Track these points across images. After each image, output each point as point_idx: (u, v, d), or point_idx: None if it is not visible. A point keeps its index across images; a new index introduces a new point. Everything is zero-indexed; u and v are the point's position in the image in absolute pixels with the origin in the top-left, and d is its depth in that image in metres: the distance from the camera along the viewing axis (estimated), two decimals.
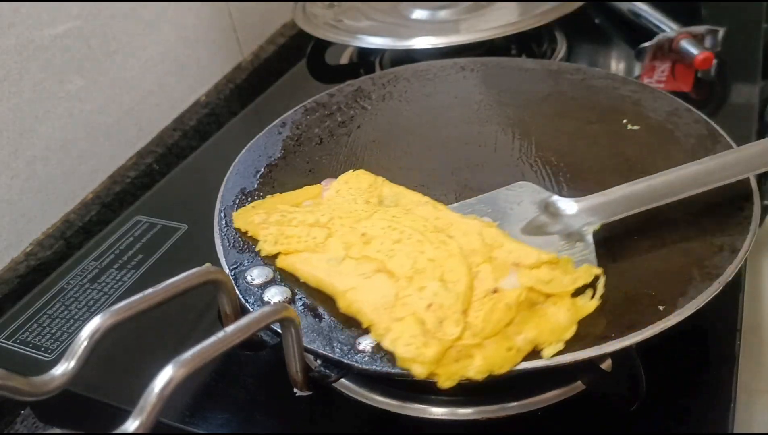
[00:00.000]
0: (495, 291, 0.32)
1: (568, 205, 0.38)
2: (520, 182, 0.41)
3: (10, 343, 0.42)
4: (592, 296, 0.32)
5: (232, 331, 0.25)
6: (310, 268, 0.36)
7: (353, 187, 0.41)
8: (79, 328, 0.42)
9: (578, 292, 0.33)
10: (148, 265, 0.47)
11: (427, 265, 0.33)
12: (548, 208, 0.38)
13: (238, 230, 0.40)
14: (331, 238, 0.36)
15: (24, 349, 0.41)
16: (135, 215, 0.52)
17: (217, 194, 0.44)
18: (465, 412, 0.36)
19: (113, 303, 0.44)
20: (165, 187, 0.56)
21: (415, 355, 0.30)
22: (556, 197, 0.39)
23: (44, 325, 0.43)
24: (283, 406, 0.37)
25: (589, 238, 0.36)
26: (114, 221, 0.52)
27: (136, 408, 0.22)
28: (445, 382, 0.29)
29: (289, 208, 0.40)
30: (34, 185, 0.54)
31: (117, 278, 0.46)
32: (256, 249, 0.38)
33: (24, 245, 0.53)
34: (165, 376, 0.23)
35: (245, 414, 0.37)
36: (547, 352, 0.30)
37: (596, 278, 0.33)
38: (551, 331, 0.31)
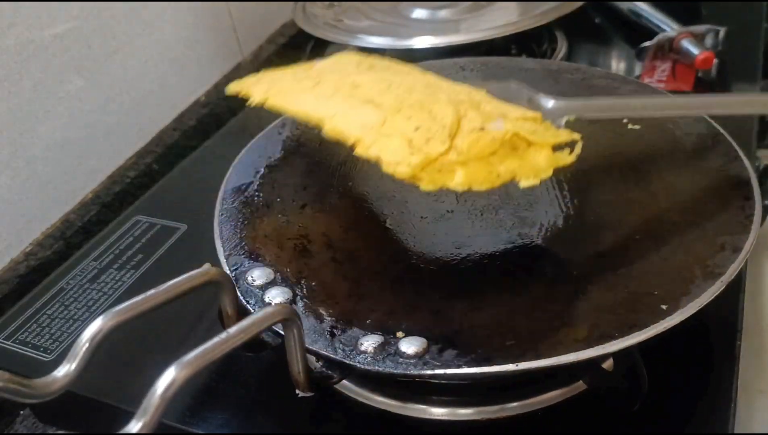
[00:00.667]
0: (482, 129, 0.32)
1: (548, 102, 0.42)
2: (511, 82, 0.43)
3: (9, 343, 0.42)
4: (570, 153, 0.34)
5: (234, 332, 0.25)
6: (298, 103, 0.35)
7: (344, 60, 0.42)
8: (79, 329, 0.42)
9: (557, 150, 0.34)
10: (148, 265, 0.47)
11: (414, 103, 0.34)
12: (531, 102, 0.41)
13: (232, 95, 0.40)
14: (320, 85, 0.37)
15: (23, 350, 0.41)
16: (135, 215, 0.52)
17: (217, 194, 0.44)
18: (465, 413, 0.36)
19: (113, 303, 0.44)
20: (165, 187, 0.56)
21: (401, 158, 0.30)
22: (540, 95, 0.42)
23: (44, 325, 0.43)
24: (284, 407, 0.37)
25: (562, 123, 0.39)
26: (114, 221, 0.52)
27: (140, 409, 0.22)
28: (427, 185, 0.30)
29: (281, 72, 0.41)
30: (33, 185, 0.54)
31: (117, 278, 0.46)
32: (248, 104, 0.38)
33: (24, 245, 0.53)
34: (168, 378, 0.23)
35: (245, 414, 0.36)
36: (524, 183, 0.32)
37: (574, 144, 0.35)
38: (530, 168, 0.32)
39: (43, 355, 0.41)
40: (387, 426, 0.36)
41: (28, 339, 0.42)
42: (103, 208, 0.58)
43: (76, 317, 0.43)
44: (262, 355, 0.38)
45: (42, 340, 0.42)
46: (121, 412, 0.37)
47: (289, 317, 0.28)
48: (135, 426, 0.22)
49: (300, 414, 0.36)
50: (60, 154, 0.56)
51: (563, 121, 0.41)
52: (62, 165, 0.56)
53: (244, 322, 0.26)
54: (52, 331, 0.42)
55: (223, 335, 0.25)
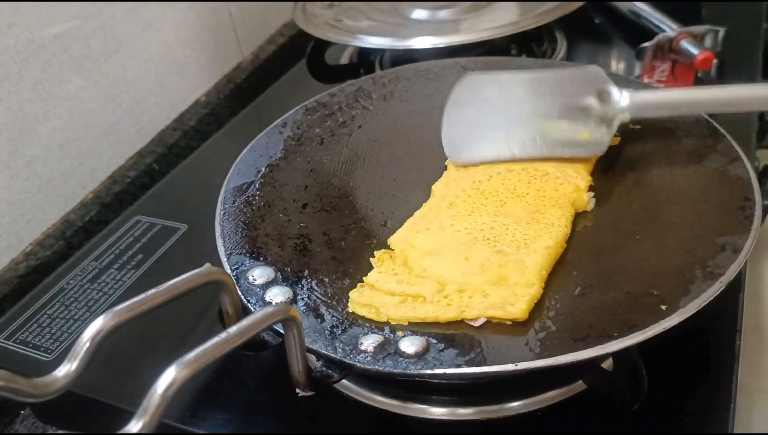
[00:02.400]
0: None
1: (617, 96, 0.42)
2: (593, 66, 0.45)
3: (9, 343, 0.42)
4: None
5: (234, 332, 0.25)
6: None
7: None
8: (79, 328, 0.42)
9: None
10: (148, 265, 0.47)
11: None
12: (601, 94, 0.42)
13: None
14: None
15: (24, 349, 0.41)
16: (135, 215, 0.52)
17: (217, 194, 0.44)
18: (465, 412, 0.36)
19: (113, 303, 0.44)
20: (165, 187, 0.56)
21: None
22: (613, 87, 0.42)
23: (44, 325, 0.43)
24: (284, 406, 0.37)
25: (615, 125, 0.42)
26: (114, 221, 0.52)
27: (140, 409, 0.22)
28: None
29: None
30: (33, 185, 0.54)
31: (117, 278, 0.46)
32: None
33: (24, 245, 0.53)
34: (168, 377, 0.23)
35: (245, 414, 0.36)
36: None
37: None
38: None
39: (44, 355, 0.41)
40: (387, 426, 0.36)
41: (28, 339, 0.42)
42: (103, 208, 0.58)
43: (76, 317, 0.43)
44: (262, 355, 0.38)
45: (42, 340, 0.42)
46: (122, 411, 0.37)
47: (288, 317, 0.28)
48: (135, 426, 0.22)
49: (300, 414, 0.36)
50: (60, 154, 0.56)
51: (619, 119, 0.41)
52: (62, 165, 0.56)
53: (244, 322, 0.26)
54: (52, 331, 0.42)
55: (223, 335, 0.25)
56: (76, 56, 0.56)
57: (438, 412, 0.36)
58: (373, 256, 0.40)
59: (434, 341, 0.33)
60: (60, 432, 0.42)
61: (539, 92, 0.45)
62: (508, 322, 0.34)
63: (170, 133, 0.66)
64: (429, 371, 0.31)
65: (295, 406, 0.36)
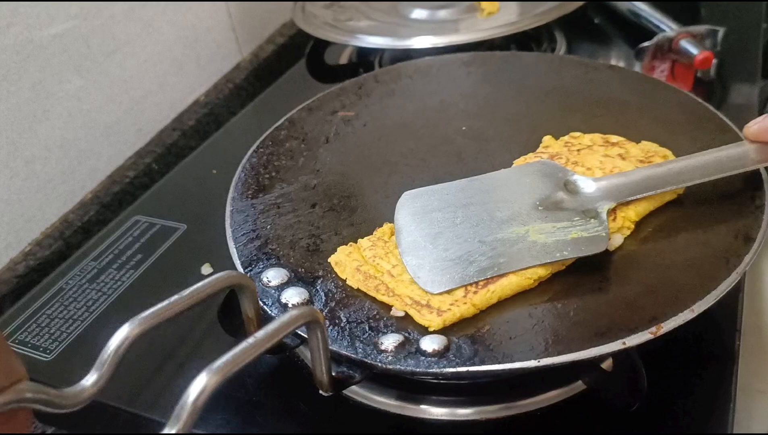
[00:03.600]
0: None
1: (587, 184, 0.40)
2: (542, 160, 0.43)
3: (8, 343, 0.42)
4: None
5: (261, 336, 0.25)
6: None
7: None
8: (79, 328, 0.42)
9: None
10: (147, 264, 0.47)
11: None
12: (567, 186, 0.40)
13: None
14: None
15: (23, 350, 0.41)
16: (134, 215, 0.52)
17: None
18: (465, 413, 0.36)
19: (113, 303, 0.44)
20: (164, 187, 0.56)
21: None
22: (576, 176, 0.40)
23: (43, 325, 0.43)
24: (283, 407, 0.37)
25: (604, 215, 0.38)
26: (113, 221, 0.52)
27: (172, 417, 0.22)
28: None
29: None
30: (32, 185, 0.53)
31: (116, 278, 0.46)
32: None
33: (23, 245, 0.53)
34: (199, 385, 0.22)
35: (245, 414, 0.36)
36: None
37: None
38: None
39: (43, 355, 0.41)
40: (387, 426, 0.36)
41: (27, 339, 0.42)
42: (102, 208, 0.58)
43: (75, 317, 0.43)
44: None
45: (41, 340, 0.42)
46: (121, 411, 0.37)
47: (313, 319, 0.28)
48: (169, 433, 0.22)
49: (299, 414, 0.36)
50: (59, 154, 0.55)
51: (605, 208, 0.38)
52: (61, 165, 0.56)
53: (271, 326, 0.26)
54: (51, 331, 0.42)
55: (251, 340, 0.25)
56: (76, 56, 0.56)
57: (438, 412, 0.36)
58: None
59: (455, 339, 0.32)
60: (60, 432, 0.42)
61: (498, 197, 0.40)
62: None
63: (169, 133, 0.66)
64: (451, 370, 0.30)
65: (295, 407, 0.36)
